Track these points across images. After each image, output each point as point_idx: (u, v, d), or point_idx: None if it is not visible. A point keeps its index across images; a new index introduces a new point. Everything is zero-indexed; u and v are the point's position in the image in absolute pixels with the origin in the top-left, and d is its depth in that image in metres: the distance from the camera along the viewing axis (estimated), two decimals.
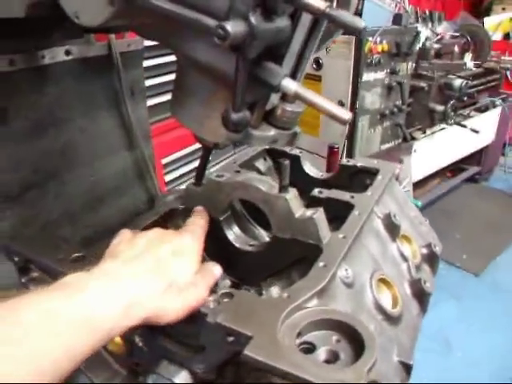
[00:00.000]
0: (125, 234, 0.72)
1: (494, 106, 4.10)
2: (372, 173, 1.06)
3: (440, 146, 3.60)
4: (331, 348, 0.60)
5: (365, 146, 2.93)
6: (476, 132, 3.57)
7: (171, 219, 0.87)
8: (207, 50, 0.58)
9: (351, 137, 2.83)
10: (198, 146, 2.00)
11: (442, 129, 3.55)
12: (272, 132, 0.68)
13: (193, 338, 0.67)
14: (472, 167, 4.41)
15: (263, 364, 0.53)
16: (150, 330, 0.72)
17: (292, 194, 0.76)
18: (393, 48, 2.78)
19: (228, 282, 0.82)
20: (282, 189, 0.76)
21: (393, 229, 0.91)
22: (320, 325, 0.62)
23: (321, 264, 0.70)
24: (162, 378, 0.68)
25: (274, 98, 0.66)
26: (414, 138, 3.32)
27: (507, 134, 4.48)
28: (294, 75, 0.63)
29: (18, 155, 0.96)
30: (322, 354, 0.59)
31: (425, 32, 3.35)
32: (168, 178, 1.93)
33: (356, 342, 0.59)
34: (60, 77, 1.02)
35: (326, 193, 0.91)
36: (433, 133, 3.49)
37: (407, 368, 0.73)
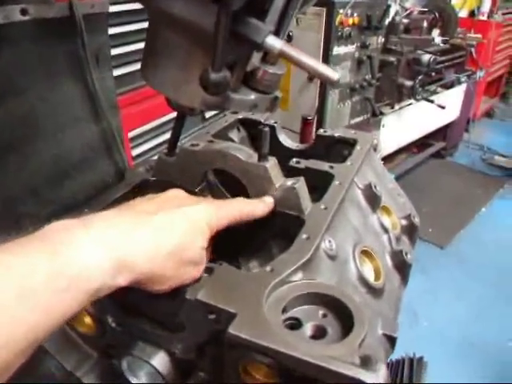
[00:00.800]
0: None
1: (459, 83, 4.15)
2: (349, 143, 1.03)
3: (407, 121, 3.63)
4: (318, 323, 0.57)
5: (334, 120, 2.91)
6: (442, 108, 3.61)
7: (142, 191, 0.82)
8: (184, 3, 0.52)
9: (321, 111, 2.81)
10: (165, 119, 1.94)
11: (409, 104, 3.57)
12: (252, 96, 0.63)
13: (170, 316, 0.63)
14: (438, 143, 4.48)
15: (249, 342, 0.50)
16: (123, 309, 0.68)
17: (272, 163, 0.72)
18: (363, 21, 2.75)
19: None
20: (261, 157, 0.71)
21: (373, 200, 0.88)
22: (305, 299, 0.59)
23: (304, 236, 0.67)
24: (138, 360, 0.64)
25: (255, 59, 0.61)
26: (382, 113, 3.33)
27: (471, 110, 4.56)
28: (276, 33, 0.58)
29: None
30: (308, 329, 0.56)
31: (394, 6, 3.32)
32: (135, 152, 1.86)
33: (343, 316, 0.57)
34: (16, 39, 0.93)
35: (304, 163, 0.88)
36: (400, 108, 3.51)
37: (391, 340, 0.72)
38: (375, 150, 1.06)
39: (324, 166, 0.87)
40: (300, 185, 0.71)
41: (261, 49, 0.54)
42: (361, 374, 0.47)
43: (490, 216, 3.78)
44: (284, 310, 0.57)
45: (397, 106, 3.44)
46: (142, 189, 0.81)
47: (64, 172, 1.08)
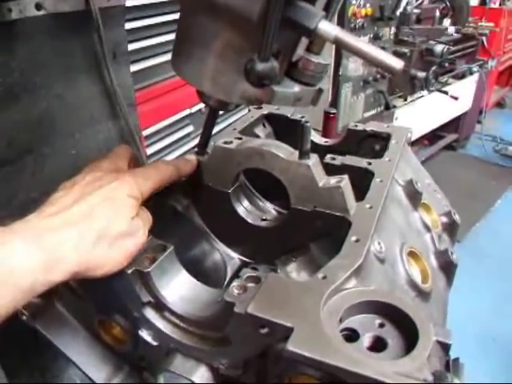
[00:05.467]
0: (66, 183, 0.64)
1: (471, 73, 4.07)
2: (382, 138, 0.98)
3: (420, 114, 3.56)
4: (376, 334, 0.52)
5: (348, 114, 2.85)
6: (455, 99, 3.54)
7: (171, 193, 0.77)
8: None
9: (334, 105, 2.75)
10: (180, 115, 1.89)
11: (421, 96, 3.50)
12: (296, 88, 0.58)
13: (212, 328, 0.59)
14: (449, 134, 4.41)
15: (311, 360, 0.45)
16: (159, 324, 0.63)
17: (314, 160, 0.67)
18: (376, 12, 2.68)
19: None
20: (303, 155, 0.66)
21: (415, 197, 0.83)
22: (361, 308, 0.55)
23: (353, 238, 0.62)
24: (177, 376, 0.59)
25: (300, 48, 0.56)
26: (394, 106, 3.26)
27: (483, 100, 4.48)
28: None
29: None
30: (366, 341, 0.52)
31: None
32: (149, 151, 1.80)
33: (403, 326, 0.52)
34: (31, 35, 0.89)
35: (340, 159, 0.83)
36: (413, 100, 3.44)
37: (445, 347, 0.67)
38: (409, 144, 1.00)
39: (362, 162, 0.82)
40: (345, 184, 0.66)
41: (312, 35, 0.49)
42: None
43: (505, 208, 3.71)
44: (339, 320, 0.53)
45: (409, 98, 3.37)
46: (170, 190, 0.76)
47: None
